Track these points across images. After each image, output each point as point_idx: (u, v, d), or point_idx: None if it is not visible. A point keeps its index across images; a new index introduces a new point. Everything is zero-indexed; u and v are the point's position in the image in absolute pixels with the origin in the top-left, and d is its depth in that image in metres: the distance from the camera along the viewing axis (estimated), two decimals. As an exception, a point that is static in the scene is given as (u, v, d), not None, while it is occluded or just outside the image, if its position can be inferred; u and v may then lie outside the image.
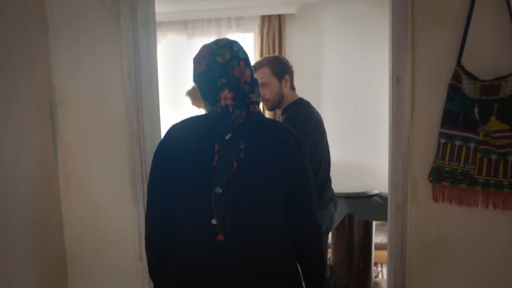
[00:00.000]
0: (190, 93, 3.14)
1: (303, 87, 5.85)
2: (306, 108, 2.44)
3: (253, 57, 5.87)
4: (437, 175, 1.99)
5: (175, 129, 1.42)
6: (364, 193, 3.21)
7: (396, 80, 2.04)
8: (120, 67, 2.32)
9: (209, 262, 1.28)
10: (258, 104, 1.43)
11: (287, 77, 2.40)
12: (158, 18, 2.45)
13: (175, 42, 6.13)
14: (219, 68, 1.37)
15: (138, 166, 1.99)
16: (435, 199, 2.04)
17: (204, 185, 1.28)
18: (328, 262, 3.09)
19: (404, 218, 2.08)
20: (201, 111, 2.74)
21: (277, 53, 5.65)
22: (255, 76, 1.47)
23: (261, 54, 5.73)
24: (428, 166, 2.05)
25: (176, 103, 6.19)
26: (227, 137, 1.29)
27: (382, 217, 3.18)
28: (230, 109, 1.32)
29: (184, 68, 6.06)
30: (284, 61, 2.44)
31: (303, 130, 2.08)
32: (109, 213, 2.29)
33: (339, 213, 3.15)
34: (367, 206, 3.15)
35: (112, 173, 2.23)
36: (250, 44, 5.92)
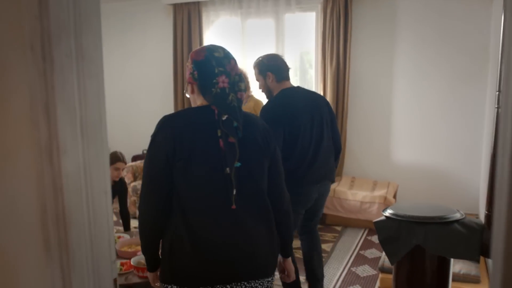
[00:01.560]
0: None
1: (371, 76, 4.99)
2: (277, 98, 2.84)
3: (315, 40, 5.03)
4: None
5: (175, 118, 1.60)
6: (440, 217, 2.28)
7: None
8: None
9: (223, 226, 1.56)
10: (245, 91, 1.65)
11: (269, 73, 2.86)
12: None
13: (228, 23, 5.46)
14: (216, 60, 1.63)
15: (51, 198, 0.95)
16: None
17: (216, 165, 1.54)
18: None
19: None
20: None
21: (341, 36, 4.76)
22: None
23: (324, 37, 4.88)
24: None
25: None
26: (223, 118, 1.55)
27: (467, 254, 2.23)
28: (227, 91, 1.58)
29: (237, 52, 5.37)
30: (269, 59, 2.90)
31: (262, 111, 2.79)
32: (9, 274, 1.57)
33: (403, 243, 2.27)
34: (445, 236, 2.22)
35: (12, 208, 1.39)
36: (311, 25, 5.07)
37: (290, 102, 2.80)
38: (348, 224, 4.71)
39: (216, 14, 5.48)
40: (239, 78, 1.63)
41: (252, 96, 4.15)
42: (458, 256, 2.28)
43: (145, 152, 5.97)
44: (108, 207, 1.04)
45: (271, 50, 5.19)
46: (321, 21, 4.91)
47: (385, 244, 2.40)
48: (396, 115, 4.97)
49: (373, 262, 3.82)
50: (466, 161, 4.73)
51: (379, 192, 4.66)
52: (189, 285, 1.55)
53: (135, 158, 5.98)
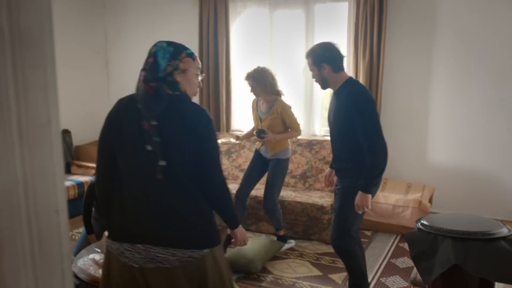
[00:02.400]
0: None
1: (407, 71, 4.65)
2: (359, 84, 2.91)
3: (347, 32, 4.74)
4: None
5: (121, 101, 1.89)
6: (484, 233, 1.97)
7: None
8: None
9: (145, 194, 1.79)
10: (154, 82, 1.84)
11: (324, 64, 2.74)
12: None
13: (255, 14, 5.22)
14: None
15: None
16: None
17: (138, 142, 1.76)
18: None
19: None
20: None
21: (375, 28, 4.46)
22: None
23: (356, 28, 4.59)
24: None
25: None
26: (140, 107, 1.80)
27: (514, 277, 1.93)
28: (141, 83, 1.87)
29: (265, 44, 5.14)
30: (325, 49, 2.76)
31: (367, 100, 2.69)
32: None
33: (439, 261, 1.99)
34: (488, 256, 1.92)
35: None
36: (343, 16, 4.77)
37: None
38: (379, 228, 4.41)
39: (243, 5, 5.25)
40: (150, 71, 1.81)
41: (279, 100, 3.81)
42: (504, 280, 1.98)
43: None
44: (62, 229, 0.83)
45: (301, 42, 4.93)
46: (354, 12, 4.60)
47: (418, 261, 2.12)
48: (434, 113, 4.61)
49: (405, 272, 3.52)
50: (510, 165, 4.34)
51: (414, 196, 4.33)
52: (115, 240, 1.81)
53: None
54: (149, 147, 1.72)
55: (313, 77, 2.88)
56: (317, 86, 4.99)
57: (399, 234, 4.28)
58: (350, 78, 2.83)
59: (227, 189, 1.89)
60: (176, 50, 1.84)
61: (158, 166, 1.72)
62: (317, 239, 4.19)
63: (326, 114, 4.99)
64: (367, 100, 2.67)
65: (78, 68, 5.68)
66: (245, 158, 4.89)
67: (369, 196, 2.68)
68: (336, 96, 2.81)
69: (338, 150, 2.87)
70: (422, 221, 2.19)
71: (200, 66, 1.95)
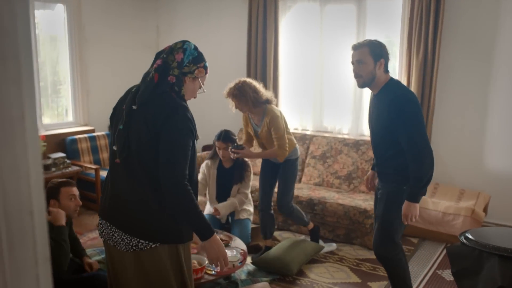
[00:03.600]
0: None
1: (464, 70, 4.34)
2: (403, 87, 2.68)
3: (400, 28, 4.51)
4: None
5: (131, 88, 2.00)
6: (536, 252, 1.77)
7: None
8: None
9: (112, 177, 1.94)
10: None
11: (382, 60, 2.59)
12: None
13: (305, 9, 5.09)
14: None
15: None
16: None
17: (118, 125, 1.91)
18: None
19: None
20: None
21: (431, 24, 4.21)
22: (356, 55, 2.61)
23: (411, 25, 4.36)
24: None
25: (301, 76, 5.21)
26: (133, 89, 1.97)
27: None
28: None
29: (314, 39, 5.00)
30: (383, 46, 2.62)
31: (413, 107, 2.51)
32: None
33: (484, 281, 1.81)
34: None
35: None
36: (397, 12, 4.54)
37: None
38: (426, 236, 4.16)
39: (293, 0, 5.13)
40: (175, 64, 1.86)
41: (268, 108, 3.42)
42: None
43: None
44: (38, 232, 0.77)
45: (352, 38, 4.73)
46: (408, 7, 4.35)
47: (460, 278, 1.94)
48: (493, 117, 4.28)
49: (451, 286, 3.28)
50: None
51: (466, 203, 4.05)
52: (99, 216, 1.98)
53: (204, 148, 5.85)
54: (120, 126, 1.83)
55: (357, 71, 2.61)
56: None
57: (448, 243, 4.01)
58: (392, 78, 2.65)
59: (184, 197, 1.79)
60: (199, 57, 1.92)
61: (113, 149, 1.86)
62: (359, 243, 4.02)
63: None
64: (413, 107, 2.49)
65: (130, 62, 5.78)
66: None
67: (417, 205, 2.51)
68: (378, 99, 2.64)
69: (380, 155, 2.71)
70: (466, 235, 2.00)
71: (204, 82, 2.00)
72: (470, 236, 1.96)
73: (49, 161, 4.52)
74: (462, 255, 1.95)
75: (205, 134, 5.97)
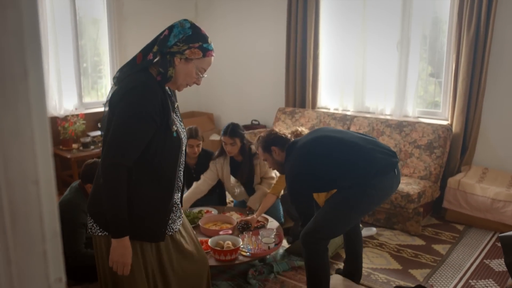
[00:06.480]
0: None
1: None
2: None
3: (450, 2, 4.23)
4: None
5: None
6: None
7: None
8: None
9: None
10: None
11: (273, 148, 2.81)
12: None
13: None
14: None
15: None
16: None
17: None
18: None
19: None
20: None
21: (483, 17, 3.90)
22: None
23: (460, 19, 4.05)
24: None
25: (342, 55, 5.01)
26: None
27: None
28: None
29: (356, 16, 4.78)
30: (268, 136, 2.84)
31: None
32: None
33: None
34: None
35: None
36: (446, 6, 4.26)
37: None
38: (473, 223, 3.94)
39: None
40: (159, 43, 1.75)
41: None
42: None
43: (254, 122, 5.74)
44: (45, 203, 0.70)
45: (397, 16, 4.49)
46: (457, 1, 4.07)
47: (513, 269, 1.77)
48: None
49: (501, 277, 3.09)
50: None
51: (518, 190, 3.79)
52: None
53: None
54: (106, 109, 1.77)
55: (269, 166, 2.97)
56: (412, 61, 4.56)
57: (497, 231, 3.78)
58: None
59: (109, 182, 1.64)
60: (193, 36, 1.70)
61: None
62: (400, 228, 3.85)
63: (422, 93, 4.55)
64: None
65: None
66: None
67: None
68: None
69: None
70: (522, 222, 1.82)
71: (208, 67, 1.79)
72: (526, 224, 1.78)
73: (88, 139, 4.57)
74: (517, 245, 1.78)
75: (244, 114, 5.90)
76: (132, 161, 1.66)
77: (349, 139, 2.54)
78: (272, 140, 2.83)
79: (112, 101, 1.70)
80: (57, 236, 0.73)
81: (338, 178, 2.47)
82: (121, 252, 1.67)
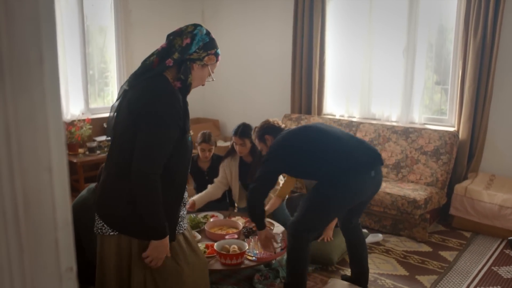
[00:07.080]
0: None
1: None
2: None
3: (456, 8, 4.23)
4: None
5: None
6: None
7: None
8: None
9: None
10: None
11: (266, 136, 2.92)
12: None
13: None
14: None
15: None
16: None
17: None
18: None
19: None
20: None
21: (491, 1, 3.90)
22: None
23: (468, 3, 4.05)
24: None
25: (349, 61, 5.01)
26: None
27: None
28: None
29: (363, 22, 4.78)
30: (261, 126, 2.98)
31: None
32: None
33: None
34: None
35: None
36: (452, 13, 4.26)
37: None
38: (480, 230, 3.90)
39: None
40: (180, 50, 1.77)
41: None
42: None
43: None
44: (57, 191, 0.69)
45: (403, 22, 4.50)
46: (464, 3, 4.06)
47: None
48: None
49: (509, 284, 3.05)
50: None
51: (526, 197, 3.76)
52: None
53: (247, 135, 5.76)
54: (115, 104, 1.83)
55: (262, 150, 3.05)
56: (418, 69, 4.55)
57: (505, 239, 3.75)
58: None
59: (146, 189, 1.67)
60: (210, 43, 1.80)
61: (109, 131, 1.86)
62: (407, 235, 3.82)
63: (427, 102, 4.54)
64: None
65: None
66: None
67: None
68: None
69: None
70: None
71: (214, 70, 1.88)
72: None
73: (94, 144, 4.58)
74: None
75: (248, 119, 5.89)
76: (162, 168, 1.69)
77: (335, 132, 2.62)
78: (265, 129, 2.93)
79: (131, 104, 1.70)
80: (69, 225, 0.72)
81: (313, 163, 2.54)
82: (162, 249, 1.75)
